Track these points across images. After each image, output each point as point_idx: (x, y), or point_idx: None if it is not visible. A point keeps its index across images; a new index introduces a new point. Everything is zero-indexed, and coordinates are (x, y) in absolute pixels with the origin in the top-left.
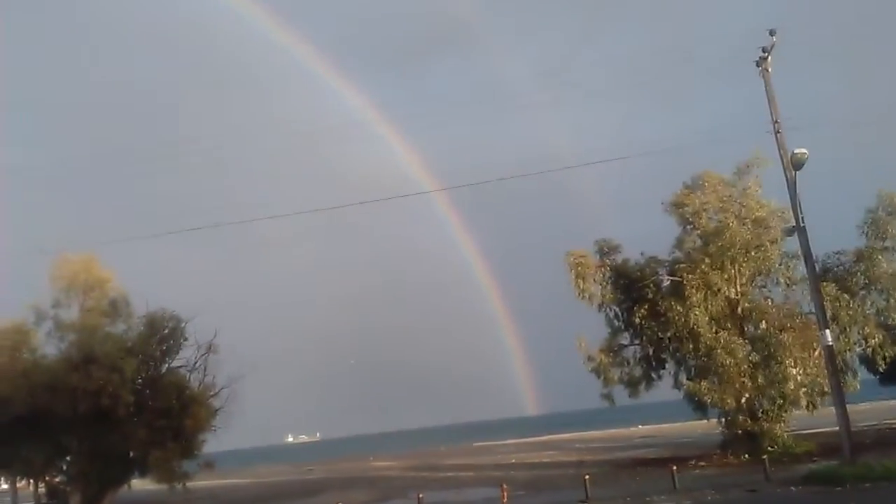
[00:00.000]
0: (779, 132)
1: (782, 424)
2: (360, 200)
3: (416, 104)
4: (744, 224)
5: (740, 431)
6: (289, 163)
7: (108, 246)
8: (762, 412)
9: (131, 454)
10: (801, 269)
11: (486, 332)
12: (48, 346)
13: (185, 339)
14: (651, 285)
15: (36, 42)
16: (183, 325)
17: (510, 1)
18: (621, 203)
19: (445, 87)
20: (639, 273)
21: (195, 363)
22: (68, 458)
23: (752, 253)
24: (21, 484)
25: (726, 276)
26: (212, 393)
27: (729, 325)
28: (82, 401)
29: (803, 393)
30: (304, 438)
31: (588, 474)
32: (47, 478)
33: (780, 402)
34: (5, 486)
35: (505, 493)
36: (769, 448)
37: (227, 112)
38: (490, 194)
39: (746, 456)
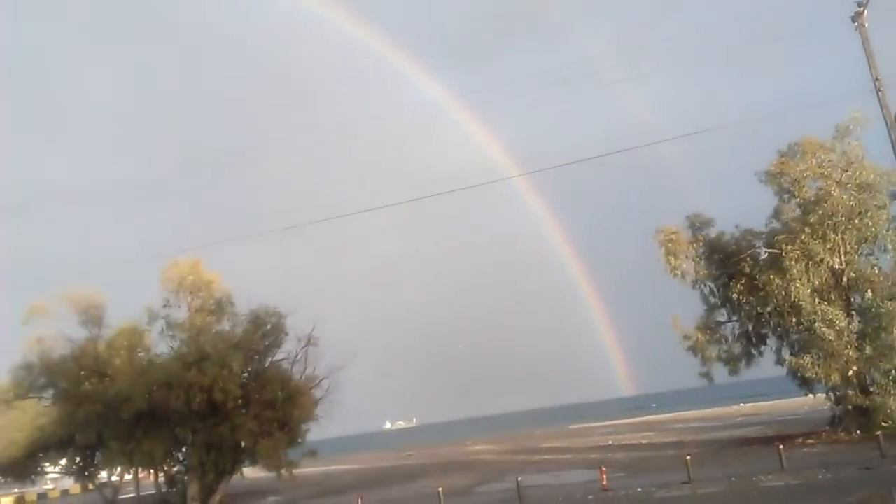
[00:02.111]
0: (880, 90)
1: None
2: (444, 191)
3: (496, 89)
4: (847, 190)
5: (850, 407)
6: (377, 158)
7: (207, 246)
8: (874, 385)
9: (242, 444)
10: None
11: (577, 315)
12: (160, 345)
13: (287, 334)
14: (748, 259)
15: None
16: (284, 319)
17: None
18: (712, 176)
19: (523, 71)
20: (734, 247)
21: (296, 356)
22: (184, 450)
23: (857, 220)
24: (143, 474)
25: (829, 246)
26: (314, 383)
27: (833, 297)
28: (196, 396)
29: None
30: (401, 425)
31: (689, 455)
32: (166, 468)
33: (893, 374)
34: (128, 477)
35: (604, 476)
36: (883, 423)
37: (308, 114)
38: (575, 174)
39: (858, 432)
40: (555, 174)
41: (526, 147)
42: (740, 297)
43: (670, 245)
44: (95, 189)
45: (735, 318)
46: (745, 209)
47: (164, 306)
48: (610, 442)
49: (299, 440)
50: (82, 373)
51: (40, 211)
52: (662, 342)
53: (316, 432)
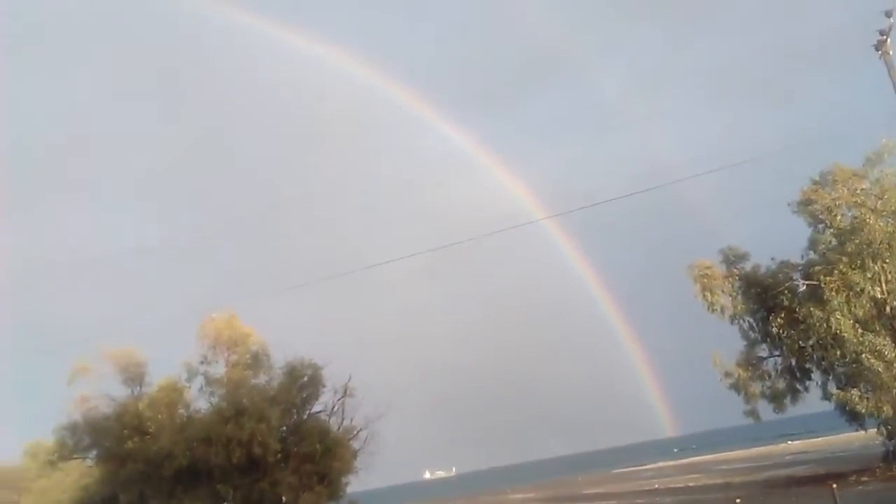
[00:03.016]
0: None
1: None
2: (476, 235)
3: (519, 136)
4: (883, 217)
5: None
6: (400, 206)
7: (238, 301)
8: None
9: (283, 499)
10: None
11: (613, 356)
12: (200, 401)
13: (324, 386)
14: (786, 291)
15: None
16: (320, 371)
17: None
18: (743, 208)
19: (545, 116)
20: (771, 280)
21: (333, 407)
22: None
23: None
24: None
25: (869, 275)
26: (351, 435)
27: (878, 327)
28: (235, 451)
29: None
30: (440, 474)
31: (738, 497)
32: None
33: None
34: None
35: None
36: None
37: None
38: (603, 215)
39: None
40: (585, 215)
41: (554, 189)
42: (781, 331)
43: (705, 280)
44: (132, 250)
45: (777, 352)
46: (779, 242)
47: (202, 363)
48: (656, 485)
49: (340, 493)
50: (125, 431)
51: (80, 271)
52: (702, 380)
53: (355, 484)
